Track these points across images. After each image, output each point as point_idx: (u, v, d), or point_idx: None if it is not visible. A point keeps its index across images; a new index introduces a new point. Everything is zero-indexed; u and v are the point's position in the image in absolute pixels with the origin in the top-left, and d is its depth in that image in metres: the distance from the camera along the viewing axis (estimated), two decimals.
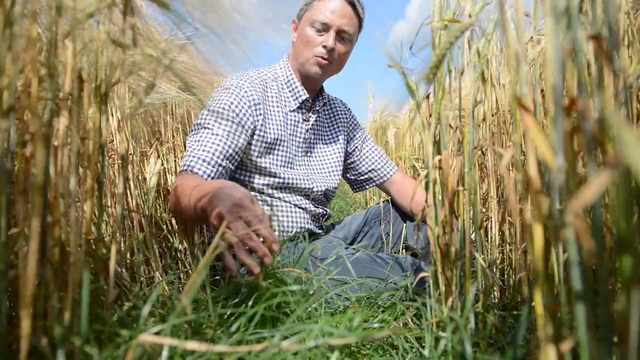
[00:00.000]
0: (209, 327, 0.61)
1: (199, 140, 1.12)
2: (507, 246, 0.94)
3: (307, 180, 1.29)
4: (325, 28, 1.24)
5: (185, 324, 0.59)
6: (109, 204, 1.08)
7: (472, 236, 0.69)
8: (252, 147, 1.20)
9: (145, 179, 1.17)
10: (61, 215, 0.48)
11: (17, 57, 0.43)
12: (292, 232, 1.26)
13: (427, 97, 0.68)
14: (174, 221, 1.20)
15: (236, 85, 1.20)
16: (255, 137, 1.20)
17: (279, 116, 1.26)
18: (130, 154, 1.14)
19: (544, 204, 0.35)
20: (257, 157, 1.21)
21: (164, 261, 1.13)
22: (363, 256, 1.07)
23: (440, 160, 0.65)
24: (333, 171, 1.40)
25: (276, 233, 1.23)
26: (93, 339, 0.48)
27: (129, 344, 0.47)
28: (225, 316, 0.67)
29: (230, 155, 1.13)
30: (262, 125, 1.21)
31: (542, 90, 0.78)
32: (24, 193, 0.45)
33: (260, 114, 1.21)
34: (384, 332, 0.50)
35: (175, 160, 1.36)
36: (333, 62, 1.28)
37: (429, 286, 0.68)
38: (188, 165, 1.07)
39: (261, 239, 0.73)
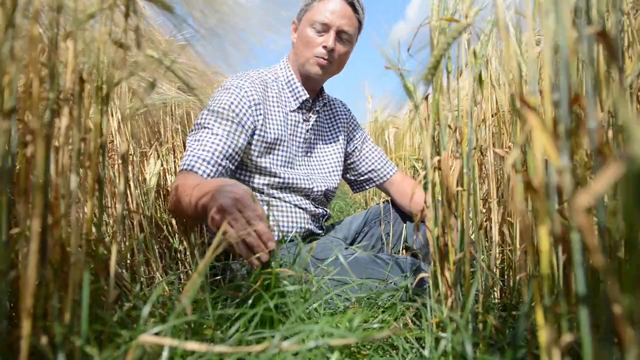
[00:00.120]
0: (209, 328, 0.62)
1: (198, 140, 1.12)
2: (507, 246, 0.94)
3: (307, 180, 1.29)
4: (325, 28, 1.25)
5: (186, 325, 0.59)
6: (109, 205, 1.08)
7: (472, 237, 0.69)
8: (252, 147, 1.20)
9: (145, 179, 1.17)
10: (62, 215, 0.48)
11: (18, 57, 0.43)
12: (292, 232, 1.27)
13: (426, 98, 0.68)
14: (174, 221, 1.20)
15: (236, 85, 1.20)
16: (256, 137, 1.20)
17: (279, 116, 1.27)
18: (131, 155, 1.14)
19: (549, 205, 0.35)
20: (257, 157, 1.21)
21: (164, 261, 1.13)
22: (363, 256, 1.07)
23: (439, 161, 0.65)
24: (333, 171, 1.40)
25: (275, 233, 1.23)
26: (93, 339, 0.48)
27: (129, 344, 0.47)
28: (226, 317, 0.68)
29: (230, 155, 1.13)
30: (262, 125, 1.21)
31: (540, 92, 0.78)
32: (25, 193, 0.45)
33: (261, 114, 1.21)
34: (384, 333, 0.50)
35: (175, 161, 1.36)
36: (333, 63, 1.29)
37: (428, 286, 0.68)
38: (188, 165, 1.07)
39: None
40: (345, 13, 1.25)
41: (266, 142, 1.22)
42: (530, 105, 0.35)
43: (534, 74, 0.37)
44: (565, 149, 0.35)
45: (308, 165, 1.36)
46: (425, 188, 0.68)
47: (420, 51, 0.65)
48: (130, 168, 1.13)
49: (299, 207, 1.29)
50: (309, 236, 1.32)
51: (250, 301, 0.71)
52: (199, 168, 1.07)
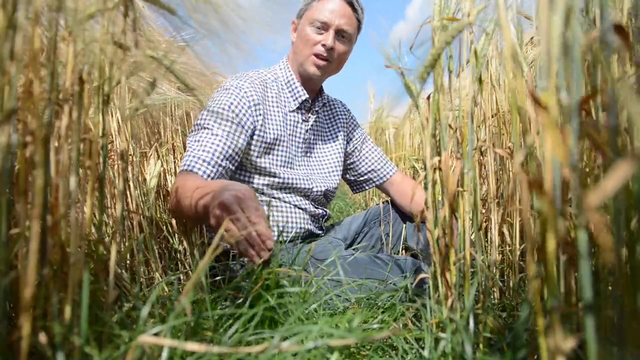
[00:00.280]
0: (209, 328, 0.61)
1: (198, 141, 1.12)
2: (507, 247, 0.94)
3: (307, 180, 1.29)
4: (324, 27, 1.25)
5: (185, 325, 0.59)
6: (109, 205, 1.08)
7: (472, 237, 0.69)
8: (252, 147, 1.20)
9: (145, 179, 1.17)
10: (62, 216, 0.48)
11: (18, 57, 0.43)
12: (291, 232, 1.27)
13: (428, 97, 0.68)
14: (173, 222, 1.20)
15: (236, 85, 1.20)
16: (255, 137, 1.20)
17: (278, 116, 1.27)
18: (130, 155, 1.14)
19: (556, 204, 0.35)
20: (257, 157, 1.21)
21: (164, 262, 1.13)
22: (362, 257, 1.07)
23: (439, 161, 0.65)
24: (333, 171, 1.40)
25: (275, 233, 1.23)
26: (93, 339, 0.48)
27: (129, 344, 0.47)
28: (225, 317, 0.68)
29: (230, 155, 1.13)
30: (261, 125, 1.21)
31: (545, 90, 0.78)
32: (24, 194, 0.45)
33: (260, 115, 1.21)
34: (384, 333, 0.50)
35: (174, 162, 1.36)
36: (332, 62, 1.29)
37: (428, 287, 0.68)
38: (188, 165, 1.07)
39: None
40: (344, 12, 1.25)
41: (266, 143, 1.22)
42: (540, 103, 0.35)
43: (554, 69, 0.37)
44: (575, 148, 0.34)
45: (307, 166, 1.36)
46: (425, 188, 0.68)
47: (422, 50, 0.65)
48: (130, 168, 1.13)
49: (299, 208, 1.29)
50: (308, 236, 1.32)
51: (249, 301, 0.71)
52: (199, 169, 1.07)
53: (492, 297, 0.86)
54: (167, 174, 1.32)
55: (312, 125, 1.37)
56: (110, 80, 0.53)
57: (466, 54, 0.67)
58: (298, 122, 1.32)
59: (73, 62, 0.49)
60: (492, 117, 1.00)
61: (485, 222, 1.03)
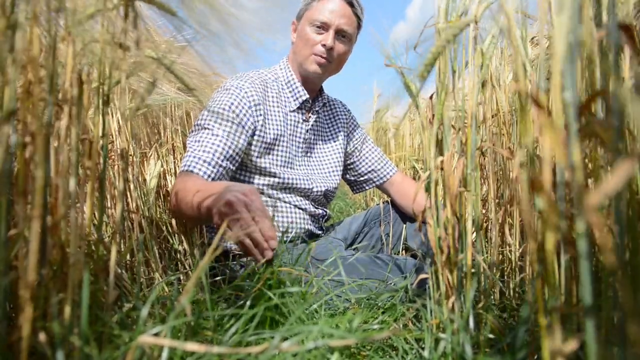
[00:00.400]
0: (209, 329, 0.61)
1: (199, 141, 1.12)
2: (507, 247, 0.94)
3: (307, 180, 1.29)
4: (324, 27, 1.25)
5: (185, 325, 0.59)
6: (109, 205, 1.08)
7: (473, 237, 0.69)
8: (252, 147, 1.20)
9: (145, 180, 1.17)
10: (61, 216, 0.48)
11: (18, 57, 0.43)
12: (292, 232, 1.26)
13: (430, 97, 0.68)
14: (173, 222, 1.20)
15: (236, 86, 1.20)
16: (256, 137, 1.20)
17: (279, 116, 1.27)
18: (131, 155, 1.14)
19: (556, 205, 0.35)
20: (257, 157, 1.21)
21: (164, 262, 1.13)
22: (363, 257, 1.07)
23: (442, 162, 0.65)
24: (333, 172, 1.40)
25: (278, 233, 1.23)
26: (93, 339, 0.48)
27: (129, 345, 0.47)
28: (225, 317, 0.67)
29: (231, 156, 1.13)
30: (262, 125, 1.21)
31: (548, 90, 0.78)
32: (24, 194, 0.45)
33: (261, 115, 1.21)
34: (384, 334, 0.50)
35: (174, 162, 1.36)
36: (332, 62, 1.29)
37: (428, 287, 0.68)
38: (188, 166, 1.07)
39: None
40: (344, 12, 1.25)
41: (266, 143, 1.22)
42: (539, 104, 0.35)
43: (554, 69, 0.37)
44: (574, 148, 0.34)
45: (308, 166, 1.36)
46: (427, 188, 0.67)
47: (423, 49, 0.65)
48: (130, 169, 1.13)
49: (299, 208, 1.29)
50: (308, 237, 1.32)
51: (250, 302, 0.71)
52: (199, 169, 1.07)
53: (492, 297, 0.86)
54: (167, 174, 1.32)
55: (312, 125, 1.37)
56: (110, 80, 0.53)
57: (472, 52, 0.66)
58: (298, 122, 1.32)
59: (72, 62, 0.49)
60: (492, 117, 1.00)
61: (485, 222, 1.03)
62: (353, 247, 1.43)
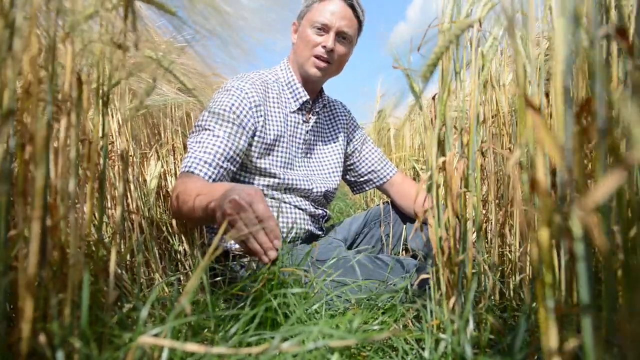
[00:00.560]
0: (209, 329, 0.61)
1: (199, 142, 1.12)
2: (507, 248, 0.94)
3: (307, 181, 1.29)
4: (325, 29, 1.25)
5: (185, 326, 0.59)
6: (109, 206, 1.08)
7: (474, 237, 0.69)
8: (253, 148, 1.20)
9: (145, 180, 1.17)
10: (61, 217, 0.48)
11: (17, 58, 0.43)
12: (292, 233, 1.26)
13: (433, 97, 0.68)
14: (174, 223, 1.20)
15: (237, 86, 1.20)
16: (256, 138, 1.20)
17: (279, 117, 1.27)
18: (131, 156, 1.14)
19: (551, 205, 0.35)
20: (257, 158, 1.21)
21: (164, 263, 1.13)
22: (363, 258, 1.07)
23: (444, 162, 0.65)
24: (333, 172, 1.40)
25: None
26: (93, 340, 0.48)
27: (129, 345, 0.47)
28: (226, 318, 0.67)
29: (231, 157, 1.13)
30: (262, 126, 1.21)
31: (547, 94, 0.78)
32: (23, 195, 0.45)
33: (261, 116, 1.21)
34: (384, 334, 0.50)
35: (175, 163, 1.36)
36: (333, 63, 1.29)
37: (429, 288, 0.68)
38: (189, 167, 1.07)
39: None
40: (345, 14, 1.25)
41: (266, 143, 1.22)
42: (533, 105, 0.35)
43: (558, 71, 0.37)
44: (570, 150, 0.34)
45: (308, 166, 1.36)
46: (428, 189, 0.67)
47: (426, 49, 0.65)
48: (130, 169, 1.13)
49: (299, 208, 1.29)
50: (308, 237, 1.32)
51: (251, 301, 0.71)
52: (200, 170, 1.07)
53: (492, 297, 0.86)
54: (167, 175, 1.32)
55: (312, 126, 1.37)
56: (110, 81, 0.53)
57: (474, 53, 0.66)
58: (298, 123, 1.32)
59: (71, 63, 0.49)
60: (492, 117, 1.00)
61: (485, 222, 1.03)
62: (353, 247, 1.43)
